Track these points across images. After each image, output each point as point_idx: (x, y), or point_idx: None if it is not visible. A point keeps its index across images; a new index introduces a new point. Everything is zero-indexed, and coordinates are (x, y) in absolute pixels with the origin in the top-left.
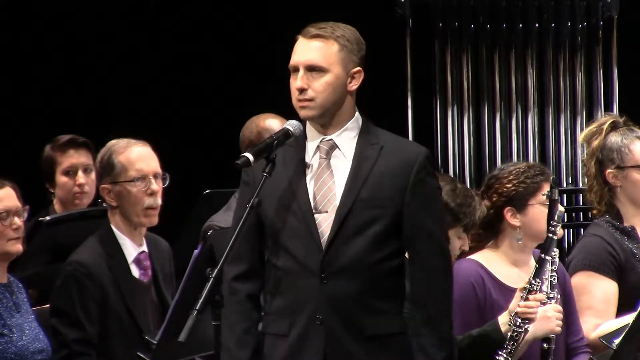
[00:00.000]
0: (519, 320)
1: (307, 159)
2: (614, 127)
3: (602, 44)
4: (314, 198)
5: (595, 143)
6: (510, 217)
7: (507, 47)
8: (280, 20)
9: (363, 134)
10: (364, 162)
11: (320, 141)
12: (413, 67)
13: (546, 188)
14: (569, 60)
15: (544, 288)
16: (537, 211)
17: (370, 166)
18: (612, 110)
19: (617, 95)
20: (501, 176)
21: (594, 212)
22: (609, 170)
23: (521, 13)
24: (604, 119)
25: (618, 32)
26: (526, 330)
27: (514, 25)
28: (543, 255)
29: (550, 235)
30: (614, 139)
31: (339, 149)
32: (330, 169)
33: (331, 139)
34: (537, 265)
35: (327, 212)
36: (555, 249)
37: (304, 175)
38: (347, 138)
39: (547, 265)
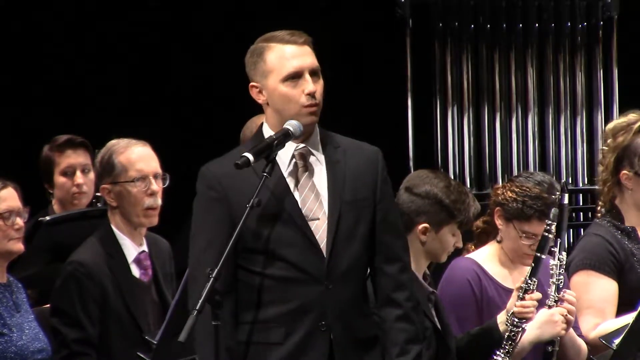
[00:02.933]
0: (516, 319)
1: (284, 168)
2: None
3: (602, 44)
4: (303, 206)
5: (620, 139)
6: (497, 218)
7: (507, 47)
8: (281, 21)
9: (324, 138)
10: (337, 166)
11: (295, 148)
12: (413, 67)
13: (535, 224)
14: (569, 60)
15: (551, 291)
16: (514, 234)
17: (343, 169)
18: (612, 110)
19: (617, 95)
20: (516, 181)
21: (600, 203)
22: (624, 172)
23: (521, 13)
24: (635, 117)
25: (618, 32)
26: (523, 330)
27: (514, 25)
28: (539, 254)
29: (546, 234)
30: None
31: (313, 154)
32: (311, 175)
33: (305, 146)
34: (533, 265)
35: (318, 218)
36: (564, 252)
37: (287, 184)
38: (316, 143)
39: (556, 266)
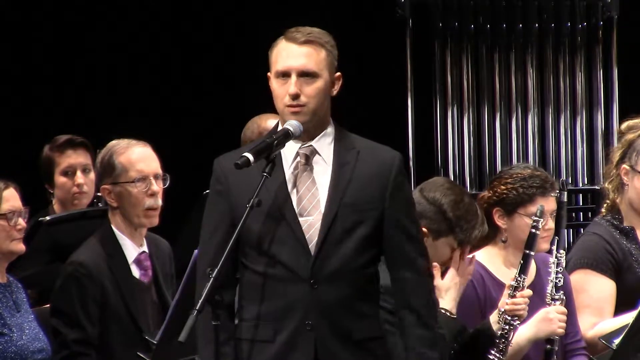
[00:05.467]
0: (508, 317)
1: (286, 166)
2: None
3: (602, 44)
4: (298, 204)
5: (629, 136)
6: (498, 218)
7: (507, 48)
8: (281, 20)
9: (339, 140)
10: (344, 167)
11: (300, 147)
12: (413, 67)
13: (540, 202)
14: (569, 60)
15: (548, 289)
16: (522, 222)
17: (351, 171)
18: (612, 110)
19: (617, 95)
20: (503, 175)
21: (606, 202)
22: (623, 166)
23: (521, 13)
24: None
25: (618, 32)
26: (515, 328)
27: (514, 26)
28: (527, 251)
29: (533, 230)
30: None
31: (319, 154)
32: (312, 174)
33: (311, 145)
34: (522, 262)
35: (312, 218)
36: (562, 251)
37: (285, 182)
38: (325, 144)
39: (554, 264)
